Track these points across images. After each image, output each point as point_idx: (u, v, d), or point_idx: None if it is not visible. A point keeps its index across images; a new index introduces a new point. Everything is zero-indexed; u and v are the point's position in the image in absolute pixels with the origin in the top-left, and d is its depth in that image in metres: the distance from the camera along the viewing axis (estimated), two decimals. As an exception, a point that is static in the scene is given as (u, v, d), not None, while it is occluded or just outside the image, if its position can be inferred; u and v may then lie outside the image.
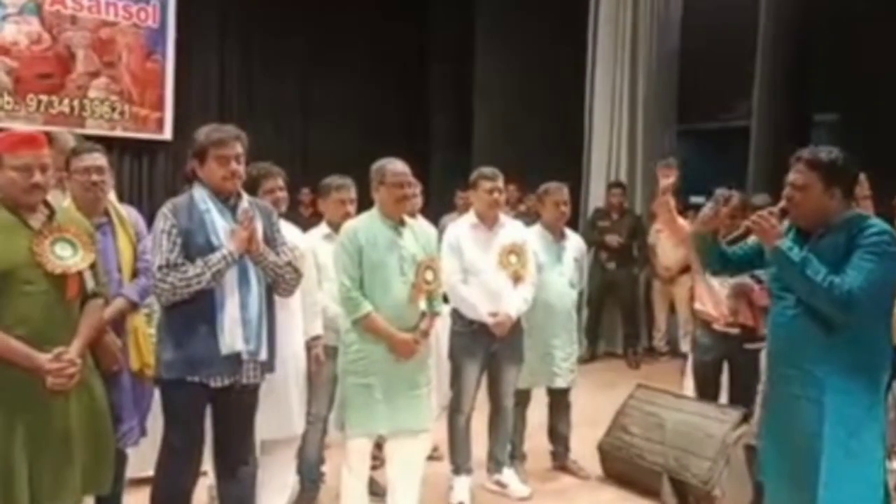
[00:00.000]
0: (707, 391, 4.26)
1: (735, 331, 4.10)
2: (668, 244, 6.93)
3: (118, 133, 7.50)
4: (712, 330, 4.18)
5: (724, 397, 4.31)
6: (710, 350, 4.21)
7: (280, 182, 3.48)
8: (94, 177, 3.08)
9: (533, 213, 5.13)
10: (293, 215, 4.12)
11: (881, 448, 2.63)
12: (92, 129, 7.18)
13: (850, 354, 2.56)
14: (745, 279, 4.02)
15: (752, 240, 2.92)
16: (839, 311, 2.53)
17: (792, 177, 2.65)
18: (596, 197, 7.66)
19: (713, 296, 4.17)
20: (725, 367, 4.26)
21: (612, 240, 7.08)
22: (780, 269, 2.67)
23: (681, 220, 4.29)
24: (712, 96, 7.63)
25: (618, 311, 7.46)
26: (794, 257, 2.58)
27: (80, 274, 2.64)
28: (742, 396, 4.11)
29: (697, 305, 4.31)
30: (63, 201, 3.00)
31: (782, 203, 2.68)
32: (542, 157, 7.40)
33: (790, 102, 6.18)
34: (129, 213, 3.32)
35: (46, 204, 2.67)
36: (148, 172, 7.87)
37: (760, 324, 4.00)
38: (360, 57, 8.66)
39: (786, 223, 2.74)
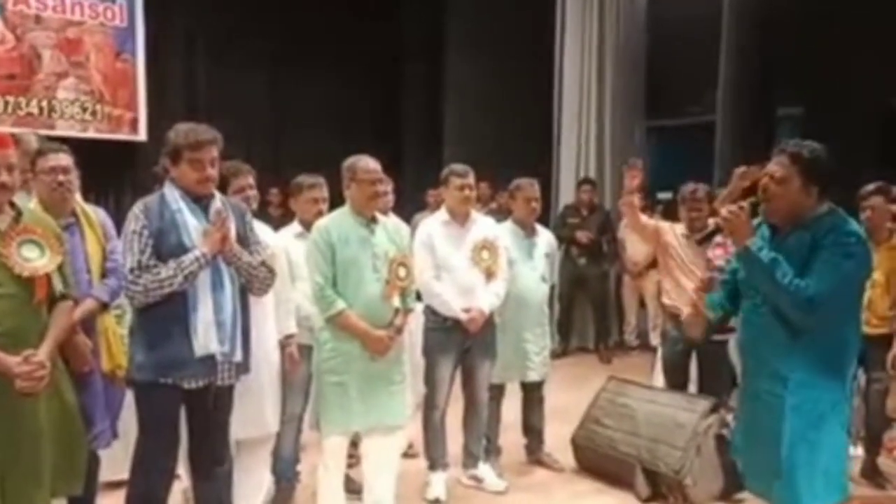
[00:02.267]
0: (676, 382, 4.29)
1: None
2: (636, 239, 6.96)
3: (91, 134, 7.35)
4: (680, 322, 4.21)
5: (692, 388, 4.34)
6: (679, 342, 4.23)
7: (250, 180, 3.44)
8: (61, 177, 3.02)
9: (505, 210, 5.12)
10: (262, 215, 4.07)
11: (843, 438, 2.63)
12: (63, 130, 7.03)
13: (815, 352, 2.54)
14: (712, 273, 4.04)
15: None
16: (800, 316, 2.50)
17: (772, 168, 2.60)
18: (566, 193, 7.68)
19: (681, 289, 4.19)
20: (694, 358, 4.29)
21: (583, 236, 7.09)
22: (748, 269, 2.63)
23: (644, 219, 4.32)
24: (679, 92, 7.68)
25: (589, 307, 7.49)
26: (764, 258, 2.53)
27: (48, 276, 2.58)
28: (710, 387, 4.15)
29: (665, 299, 4.34)
30: (29, 203, 2.93)
31: (752, 198, 2.66)
32: (513, 154, 7.39)
33: (754, 97, 6.24)
34: (96, 213, 3.27)
35: (13, 205, 2.61)
36: (123, 175, 7.72)
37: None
38: (332, 56, 8.59)
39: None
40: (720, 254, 3.96)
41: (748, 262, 2.60)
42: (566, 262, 7.18)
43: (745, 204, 2.64)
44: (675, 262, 4.20)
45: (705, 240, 2.80)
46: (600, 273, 7.30)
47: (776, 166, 2.59)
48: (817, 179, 2.55)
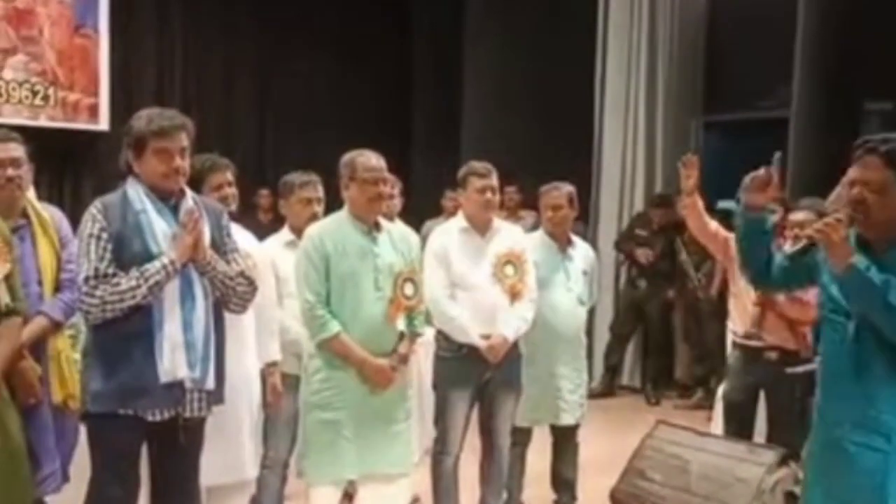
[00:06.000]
0: (739, 427, 4.27)
1: (772, 354, 4.12)
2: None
3: (43, 122, 7.43)
4: (743, 349, 4.21)
5: (760, 438, 4.32)
6: (741, 375, 4.23)
7: (229, 176, 3.48)
8: (10, 171, 3.07)
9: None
10: (250, 222, 4.12)
11: None
12: (9, 117, 7.10)
13: None
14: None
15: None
16: None
17: (864, 174, 2.54)
18: (609, 200, 7.69)
19: (746, 311, 4.19)
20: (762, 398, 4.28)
21: (642, 254, 7.12)
22: (851, 292, 2.56)
23: (713, 224, 4.31)
24: (745, 82, 7.65)
25: (641, 338, 7.51)
26: (875, 280, 2.46)
27: (-7, 287, 2.62)
28: (783, 435, 4.13)
29: (729, 323, 4.35)
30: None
31: (842, 209, 2.60)
32: (545, 153, 7.42)
33: (836, 88, 6.23)
34: (51, 214, 3.32)
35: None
36: (81, 171, 7.82)
37: (804, 344, 4.03)
38: (329, 37, 8.67)
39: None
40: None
41: (854, 284, 2.53)
42: (626, 283, 7.26)
43: (842, 216, 2.57)
44: (742, 281, 4.21)
45: (796, 256, 2.76)
46: (661, 302, 7.28)
47: (869, 172, 2.53)
48: None
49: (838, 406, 2.66)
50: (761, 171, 2.83)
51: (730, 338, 4.47)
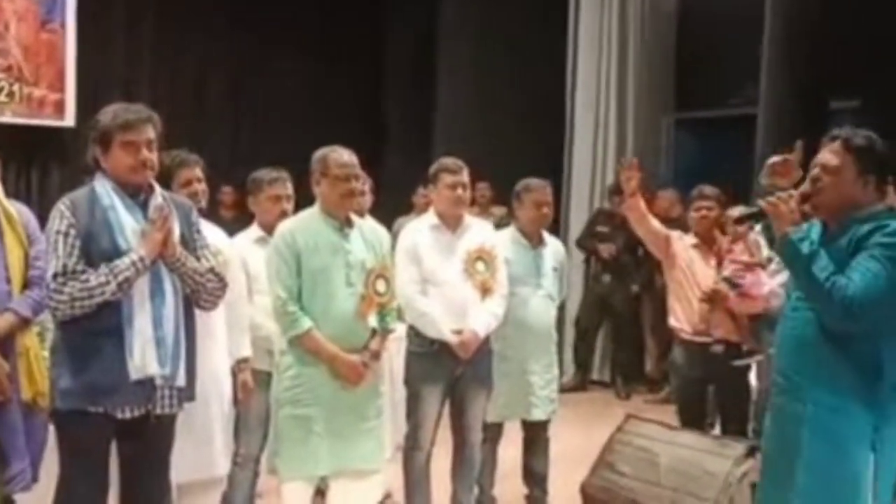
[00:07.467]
0: (690, 419, 4.34)
1: (718, 347, 4.20)
2: None
3: (6, 119, 7.36)
4: (689, 345, 4.27)
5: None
6: (686, 371, 4.31)
7: (198, 172, 3.47)
8: (-24, 167, 3.05)
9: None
10: (213, 218, 4.11)
11: (868, 482, 2.65)
12: (-28, 113, 7.07)
13: (846, 369, 2.64)
14: (719, 284, 4.14)
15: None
16: (838, 319, 2.62)
17: (824, 157, 2.74)
18: (580, 197, 7.74)
19: (689, 308, 4.26)
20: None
21: (605, 249, 7.17)
22: (786, 261, 2.78)
23: (655, 224, 4.37)
24: (715, 80, 7.75)
25: (609, 333, 7.56)
26: (803, 249, 2.65)
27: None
28: (735, 426, 4.20)
29: (672, 321, 4.40)
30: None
31: (804, 187, 2.78)
32: (517, 150, 7.44)
33: (802, 87, 6.30)
34: (19, 211, 3.30)
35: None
36: (47, 168, 7.75)
37: (747, 336, 4.11)
38: (303, 33, 8.64)
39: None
40: (733, 256, 4.08)
41: (786, 253, 2.74)
42: (590, 278, 7.32)
43: (795, 192, 2.77)
44: (684, 278, 4.29)
45: (743, 220, 3.12)
46: (626, 296, 7.34)
47: (829, 154, 2.74)
48: (874, 168, 2.71)
49: (779, 376, 2.84)
50: (777, 158, 3.10)
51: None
